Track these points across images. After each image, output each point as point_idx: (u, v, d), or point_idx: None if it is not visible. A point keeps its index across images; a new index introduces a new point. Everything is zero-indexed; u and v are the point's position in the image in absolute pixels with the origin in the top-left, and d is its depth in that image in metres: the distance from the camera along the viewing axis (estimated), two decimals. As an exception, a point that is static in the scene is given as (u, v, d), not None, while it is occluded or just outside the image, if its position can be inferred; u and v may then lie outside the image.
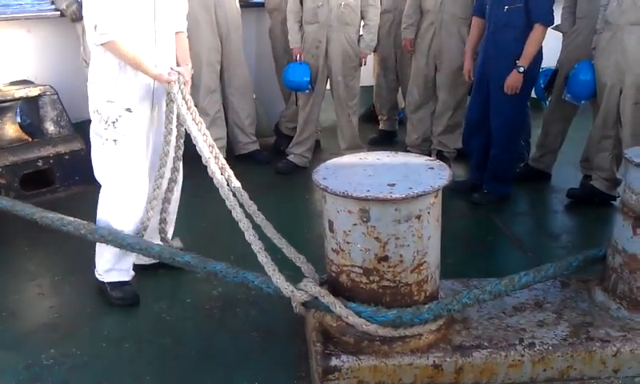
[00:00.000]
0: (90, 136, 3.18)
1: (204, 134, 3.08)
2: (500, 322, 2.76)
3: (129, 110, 3.06)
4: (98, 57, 3.03)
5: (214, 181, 2.94)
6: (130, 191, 3.18)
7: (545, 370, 2.60)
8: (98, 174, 3.20)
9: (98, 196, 3.22)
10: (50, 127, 4.89)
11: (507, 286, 2.65)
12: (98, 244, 3.23)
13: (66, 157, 4.83)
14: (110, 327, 3.08)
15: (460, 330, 2.71)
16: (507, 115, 4.44)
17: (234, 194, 2.96)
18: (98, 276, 3.30)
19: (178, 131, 3.22)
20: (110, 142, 3.09)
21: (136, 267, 3.39)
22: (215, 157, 3.04)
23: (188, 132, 3.09)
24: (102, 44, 2.94)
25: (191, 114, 3.09)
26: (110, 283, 3.26)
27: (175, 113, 3.14)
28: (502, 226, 4.27)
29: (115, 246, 3.12)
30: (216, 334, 3.02)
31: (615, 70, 4.16)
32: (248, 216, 2.90)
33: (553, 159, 5.05)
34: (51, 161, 4.76)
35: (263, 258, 2.70)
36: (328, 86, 5.32)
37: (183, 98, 3.08)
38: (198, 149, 3.02)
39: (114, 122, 3.05)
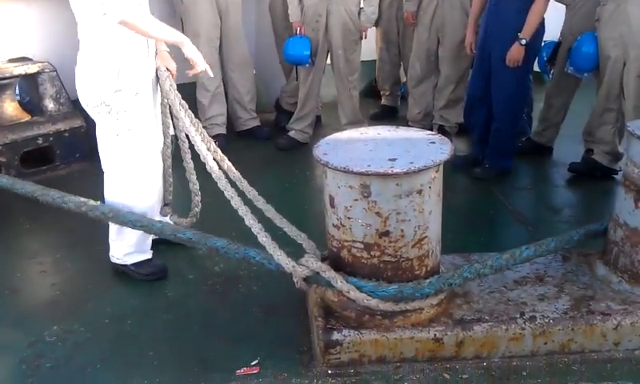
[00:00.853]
0: (98, 133, 3.07)
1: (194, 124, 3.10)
2: (501, 296, 2.77)
3: (137, 94, 3.00)
4: (98, 48, 2.89)
5: (213, 175, 2.94)
6: (149, 175, 3.17)
7: (546, 343, 2.61)
8: (113, 166, 3.10)
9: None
10: (50, 104, 4.88)
11: (508, 260, 2.64)
12: (115, 230, 3.20)
13: (66, 134, 4.83)
14: (112, 304, 3.10)
15: (461, 303, 2.72)
16: (509, 89, 4.41)
17: (227, 177, 2.97)
18: (116, 260, 3.27)
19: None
20: (125, 132, 3.00)
21: None
22: (213, 151, 3.07)
23: (183, 130, 3.11)
24: (119, 22, 2.79)
25: (183, 107, 3.11)
26: (133, 263, 3.26)
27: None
28: (504, 201, 4.27)
29: (116, 224, 3.12)
30: (218, 309, 3.03)
31: (619, 42, 4.12)
32: (248, 200, 2.91)
33: (555, 133, 5.02)
34: (51, 138, 4.76)
35: (263, 238, 2.69)
36: (329, 61, 5.28)
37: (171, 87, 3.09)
38: (191, 138, 3.05)
39: (125, 111, 2.97)
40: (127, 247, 3.22)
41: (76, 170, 4.81)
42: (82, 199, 3.19)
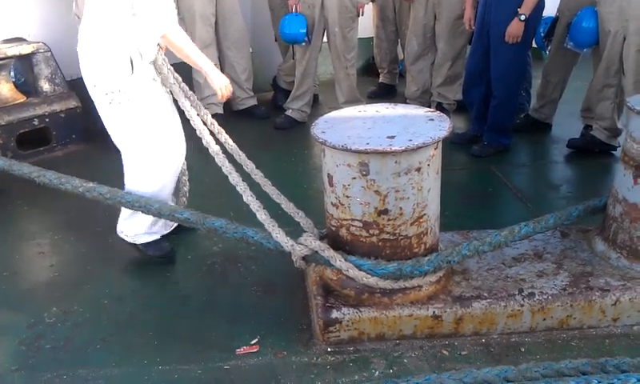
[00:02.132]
0: (100, 108, 2.99)
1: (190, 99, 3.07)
2: (500, 273, 2.77)
3: (154, 79, 3.01)
4: (114, 35, 2.82)
5: (210, 151, 2.91)
6: (167, 161, 3.15)
7: (544, 319, 2.62)
8: (133, 152, 3.06)
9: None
10: (45, 85, 4.86)
11: (507, 237, 2.64)
12: (127, 210, 3.16)
13: (62, 115, 4.81)
14: (111, 285, 3.10)
15: (460, 281, 2.72)
16: (508, 65, 4.38)
17: (225, 152, 2.95)
18: (125, 237, 3.25)
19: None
20: (124, 103, 2.92)
21: None
22: (210, 124, 3.04)
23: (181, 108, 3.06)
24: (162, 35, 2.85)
25: (177, 81, 3.08)
26: (143, 244, 3.25)
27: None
28: (502, 178, 4.26)
29: (114, 204, 3.10)
30: (217, 289, 3.03)
31: (619, 16, 4.08)
32: (246, 176, 2.89)
33: (553, 109, 5.00)
34: (47, 119, 4.73)
35: (262, 215, 2.68)
36: (326, 39, 5.24)
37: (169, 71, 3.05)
38: (186, 113, 3.01)
39: (119, 90, 2.90)
40: (139, 228, 3.20)
41: (73, 151, 4.80)
42: (80, 180, 3.18)
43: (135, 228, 3.21)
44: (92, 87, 2.93)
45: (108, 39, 2.84)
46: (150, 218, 3.15)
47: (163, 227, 3.30)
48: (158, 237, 3.28)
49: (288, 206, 2.88)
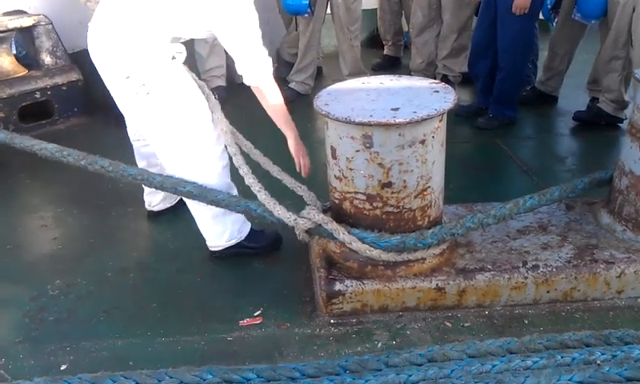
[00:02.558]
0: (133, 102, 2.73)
1: None
2: (504, 246, 2.75)
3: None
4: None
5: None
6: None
7: (548, 291, 2.61)
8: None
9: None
10: (47, 58, 4.83)
11: (512, 210, 2.62)
12: (206, 223, 2.95)
13: (64, 88, 4.78)
14: (114, 257, 3.09)
15: (463, 253, 2.71)
16: (515, 36, 4.32)
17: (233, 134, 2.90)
18: (227, 245, 2.99)
19: None
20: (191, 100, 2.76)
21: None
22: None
23: None
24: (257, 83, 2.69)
25: None
26: (244, 240, 3.02)
27: None
28: (508, 151, 4.22)
29: (117, 177, 3.07)
30: (220, 261, 3.02)
31: (628, -14, 4.01)
32: (244, 154, 2.84)
33: (560, 82, 4.95)
34: (49, 92, 4.71)
35: (264, 196, 2.65)
36: (329, 10, 5.17)
37: None
38: None
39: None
40: (227, 236, 2.97)
41: (75, 124, 4.78)
42: (82, 153, 3.15)
43: (228, 235, 2.97)
44: (124, 79, 2.64)
45: (151, 36, 2.60)
46: (232, 225, 2.95)
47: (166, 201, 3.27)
48: (247, 230, 3.03)
49: (290, 181, 2.85)
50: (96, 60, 2.72)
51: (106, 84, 2.78)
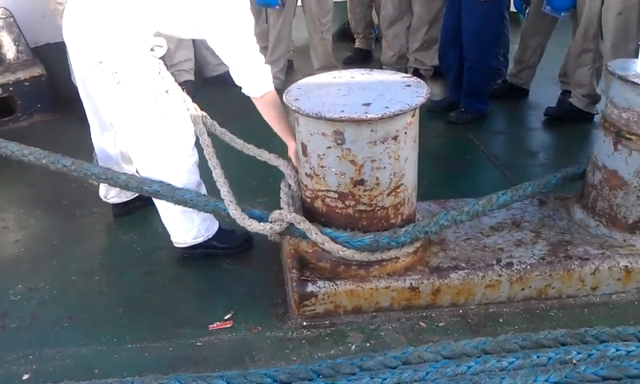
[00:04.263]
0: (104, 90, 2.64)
1: None
2: (477, 243, 2.72)
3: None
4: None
5: None
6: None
7: (523, 289, 2.59)
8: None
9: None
10: (8, 53, 4.68)
11: (485, 206, 2.60)
12: (174, 218, 2.85)
13: (27, 83, 4.62)
14: (78, 260, 2.99)
15: (437, 251, 2.67)
16: (481, 24, 4.29)
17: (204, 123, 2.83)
18: (192, 242, 2.91)
19: None
20: (163, 94, 2.64)
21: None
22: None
23: None
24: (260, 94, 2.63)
25: None
26: (212, 239, 2.94)
27: None
28: (480, 145, 4.21)
29: (80, 177, 2.96)
30: (189, 263, 2.94)
31: (596, -22, 4.00)
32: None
33: (531, 75, 4.94)
34: (11, 88, 4.56)
35: (233, 210, 2.56)
36: (300, 2, 5.09)
37: None
38: None
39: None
40: (193, 232, 2.89)
41: (38, 121, 4.63)
42: (44, 152, 3.03)
43: (192, 233, 2.88)
44: (96, 64, 2.54)
45: (130, 25, 2.52)
46: (197, 223, 2.86)
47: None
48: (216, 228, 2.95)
49: (268, 156, 2.86)
50: (69, 41, 2.64)
51: (77, 70, 2.69)
